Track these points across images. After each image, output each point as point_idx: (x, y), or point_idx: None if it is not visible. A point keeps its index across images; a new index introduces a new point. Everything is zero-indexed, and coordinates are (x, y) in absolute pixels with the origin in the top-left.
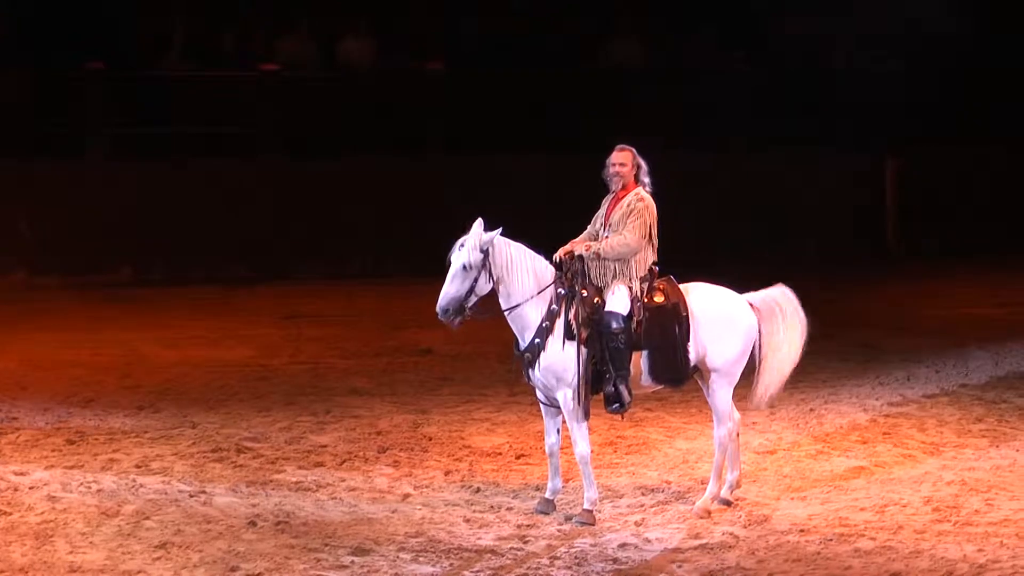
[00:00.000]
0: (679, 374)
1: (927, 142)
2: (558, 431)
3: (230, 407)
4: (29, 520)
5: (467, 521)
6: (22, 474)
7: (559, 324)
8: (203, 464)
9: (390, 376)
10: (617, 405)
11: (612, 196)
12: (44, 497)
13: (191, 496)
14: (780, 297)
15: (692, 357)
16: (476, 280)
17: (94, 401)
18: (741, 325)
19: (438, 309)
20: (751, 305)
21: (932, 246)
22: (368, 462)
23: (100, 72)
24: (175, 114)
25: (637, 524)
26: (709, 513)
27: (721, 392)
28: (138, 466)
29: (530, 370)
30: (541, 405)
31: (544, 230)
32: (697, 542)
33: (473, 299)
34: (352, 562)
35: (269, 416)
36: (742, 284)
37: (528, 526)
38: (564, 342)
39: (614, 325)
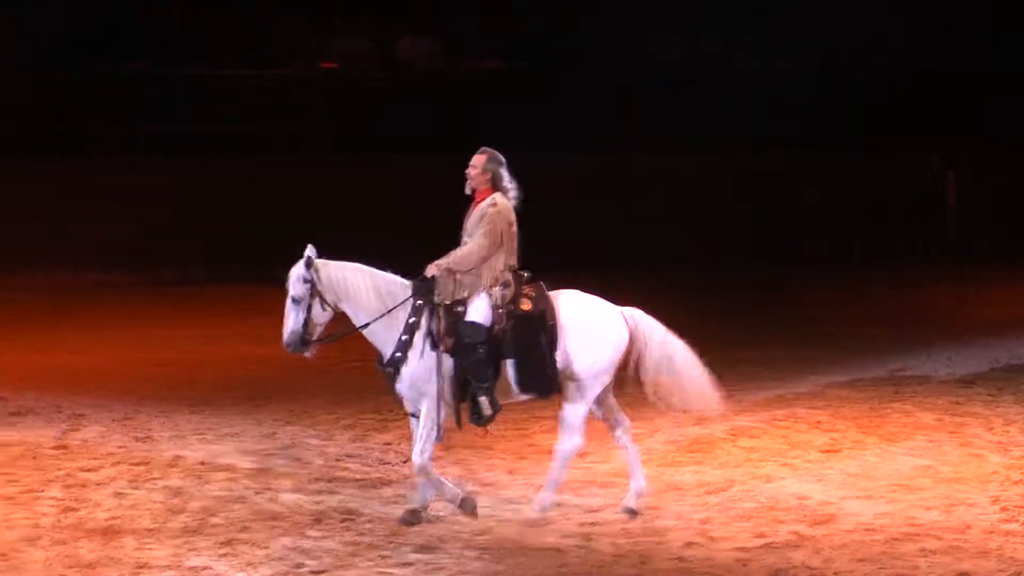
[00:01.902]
0: (546, 384)
1: (981, 143)
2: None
3: (294, 405)
4: (97, 516)
5: (531, 519)
6: (90, 470)
7: (419, 336)
8: (266, 459)
9: None
10: (476, 417)
11: (472, 203)
12: (112, 493)
13: (257, 493)
14: (640, 314)
15: (560, 366)
16: (310, 310)
17: (161, 398)
18: (611, 335)
19: (284, 345)
20: (623, 316)
21: (988, 247)
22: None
23: (147, 71)
24: (229, 112)
25: (702, 523)
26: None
27: (572, 406)
28: (204, 463)
29: (395, 384)
30: (411, 418)
31: (590, 226)
32: (762, 541)
33: (317, 328)
34: (417, 560)
35: (333, 414)
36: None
37: (592, 524)
38: (426, 353)
39: (472, 336)
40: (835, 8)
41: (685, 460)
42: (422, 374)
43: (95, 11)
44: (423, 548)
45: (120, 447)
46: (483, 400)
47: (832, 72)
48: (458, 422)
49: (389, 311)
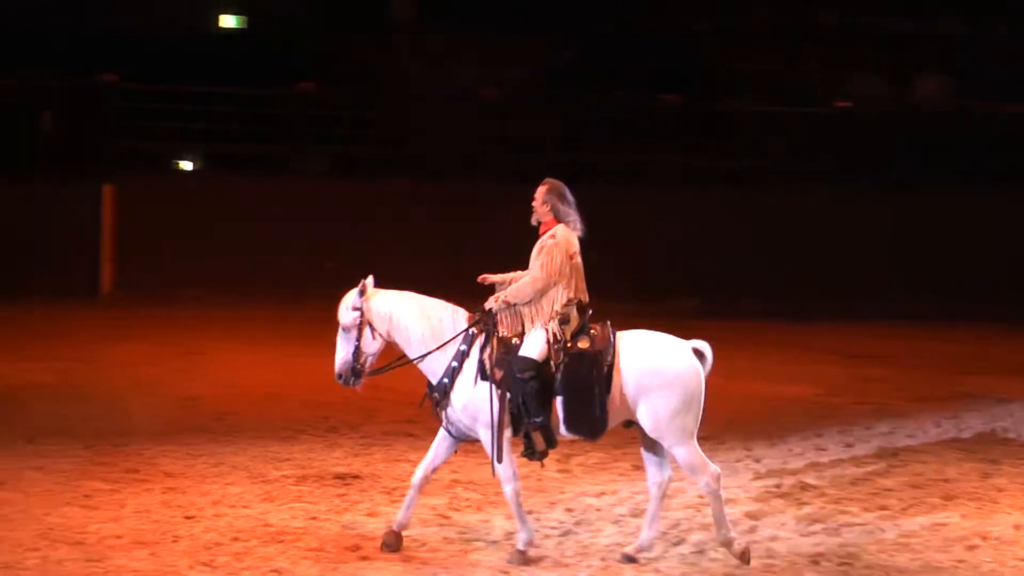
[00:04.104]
0: (594, 426)
1: None
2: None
3: (791, 443)
4: (599, 542)
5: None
6: (592, 496)
7: (468, 364)
8: (767, 499)
9: (957, 424)
10: (528, 452)
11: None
12: (612, 520)
13: (753, 530)
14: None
15: (618, 410)
16: (359, 340)
17: None
18: (677, 371)
19: (335, 377)
20: (696, 351)
21: None
22: (935, 508)
23: (676, 104)
24: (750, 146)
25: None
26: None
27: (678, 452)
28: (702, 497)
29: (439, 408)
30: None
31: None
32: None
33: (367, 358)
34: None
35: (825, 454)
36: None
37: None
38: (477, 381)
39: (522, 369)
40: None
41: None
42: (473, 402)
43: (615, 48)
44: None
45: (621, 474)
46: (535, 435)
47: None
48: (501, 453)
49: (441, 345)
